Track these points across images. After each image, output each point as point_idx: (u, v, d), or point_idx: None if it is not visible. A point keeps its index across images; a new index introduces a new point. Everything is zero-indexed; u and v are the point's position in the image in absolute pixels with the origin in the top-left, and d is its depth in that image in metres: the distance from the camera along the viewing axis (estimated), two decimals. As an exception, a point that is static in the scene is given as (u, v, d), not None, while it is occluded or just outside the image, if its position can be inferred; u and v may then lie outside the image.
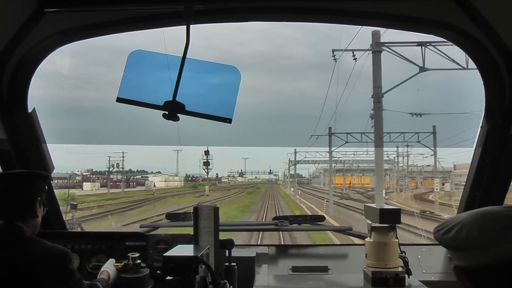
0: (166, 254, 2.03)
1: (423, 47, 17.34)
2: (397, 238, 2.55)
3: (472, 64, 2.85)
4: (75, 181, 64.71)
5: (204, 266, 2.04)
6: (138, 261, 2.66)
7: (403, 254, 2.58)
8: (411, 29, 2.84)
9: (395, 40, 18.50)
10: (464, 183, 3.14)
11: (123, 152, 56.30)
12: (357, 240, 3.43)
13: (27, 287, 2.16)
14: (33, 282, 2.17)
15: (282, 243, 14.96)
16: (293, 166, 55.08)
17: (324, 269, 2.89)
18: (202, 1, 2.49)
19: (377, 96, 18.29)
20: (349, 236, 3.69)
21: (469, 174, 3.01)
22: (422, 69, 17.86)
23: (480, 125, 2.90)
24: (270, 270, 2.94)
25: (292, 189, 56.14)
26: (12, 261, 2.16)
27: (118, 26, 2.83)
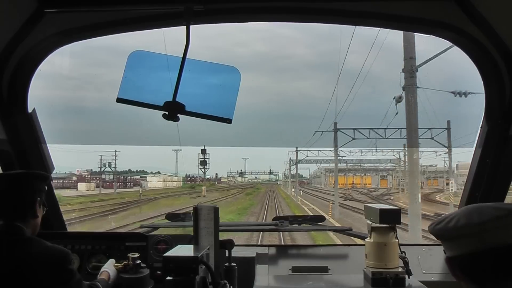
0: (166, 254, 2.03)
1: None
2: (397, 238, 2.56)
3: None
4: (71, 181, 63.95)
5: (204, 267, 2.04)
6: (138, 261, 2.66)
7: (403, 255, 2.58)
8: (411, 29, 2.85)
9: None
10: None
11: (115, 151, 54.64)
12: (357, 241, 3.43)
13: None
14: (33, 283, 2.17)
15: (283, 243, 14.98)
16: (294, 166, 54.47)
17: (324, 270, 2.89)
18: (202, 2, 2.49)
19: (410, 70, 13.97)
20: (349, 237, 3.69)
21: (469, 174, 3.01)
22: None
23: (480, 125, 2.90)
24: (270, 271, 2.94)
25: (293, 189, 55.59)
26: (12, 261, 2.16)
27: (118, 27, 2.83)
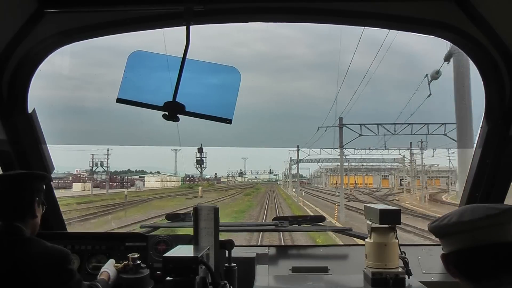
0: (166, 254, 2.03)
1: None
2: (397, 238, 2.55)
3: None
4: (67, 181, 63.09)
5: (204, 267, 2.04)
6: (138, 261, 2.66)
7: (403, 255, 2.58)
8: (411, 30, 2.84)
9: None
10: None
11: (107, 149, 53.06)
12: (357, 241, 3.43)
13: None
14: (33, 283, 2.17)
15: (283, 243, 14.97)
16: (295, 165, 53.69)
17: (324, 270, 2.89)
18: (202, 2, 2.49)
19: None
20: (350, 237, 3.69)
21: (469, 174, 3.01)
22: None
23: (480, 125, 2.91)
24: (270, 271, 2.94)
25: (294, 189, 54.96)
26: (12, 261, 2.16)
27: (118, 27, 2.83)
